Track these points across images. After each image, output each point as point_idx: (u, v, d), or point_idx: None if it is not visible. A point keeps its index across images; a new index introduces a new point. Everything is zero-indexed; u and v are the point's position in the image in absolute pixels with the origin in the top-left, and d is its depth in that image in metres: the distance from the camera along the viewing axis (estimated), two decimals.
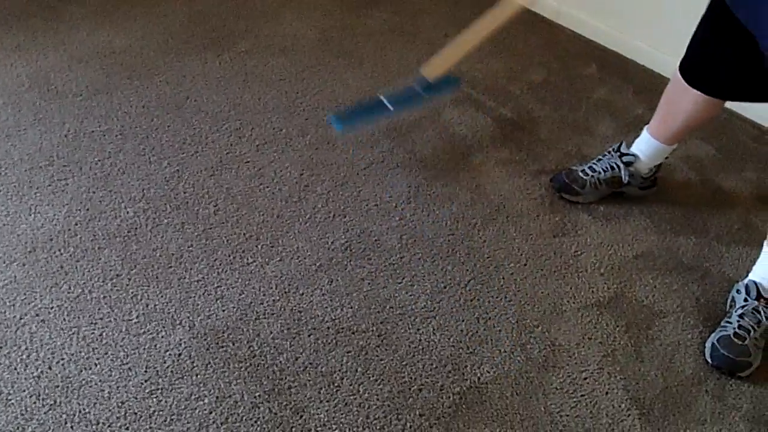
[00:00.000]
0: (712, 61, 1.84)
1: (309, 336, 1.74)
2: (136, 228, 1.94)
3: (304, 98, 2.42)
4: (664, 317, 1.91)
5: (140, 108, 2.30)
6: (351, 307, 1.82)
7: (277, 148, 2.22)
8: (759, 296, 1.87)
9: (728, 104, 2.60)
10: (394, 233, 2.03)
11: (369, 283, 1.88)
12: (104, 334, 1.69)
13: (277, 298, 1.82)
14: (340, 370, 1.68)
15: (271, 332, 1.74)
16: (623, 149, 2.18)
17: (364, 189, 2.14)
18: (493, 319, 1.85)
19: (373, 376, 1.68)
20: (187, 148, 2.18)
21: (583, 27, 2.92)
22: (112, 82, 2.37)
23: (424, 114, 2.42)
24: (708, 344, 1.85)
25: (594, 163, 2.22)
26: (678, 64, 1.94)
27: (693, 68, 1.90)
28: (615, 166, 2.18)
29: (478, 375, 1.72)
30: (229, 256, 1.90)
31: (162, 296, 1.79)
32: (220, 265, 1.87)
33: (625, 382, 1.75)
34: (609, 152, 2.22)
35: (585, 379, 1.75)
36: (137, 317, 1.73)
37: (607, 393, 1.73)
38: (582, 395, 1.71)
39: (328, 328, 1.77)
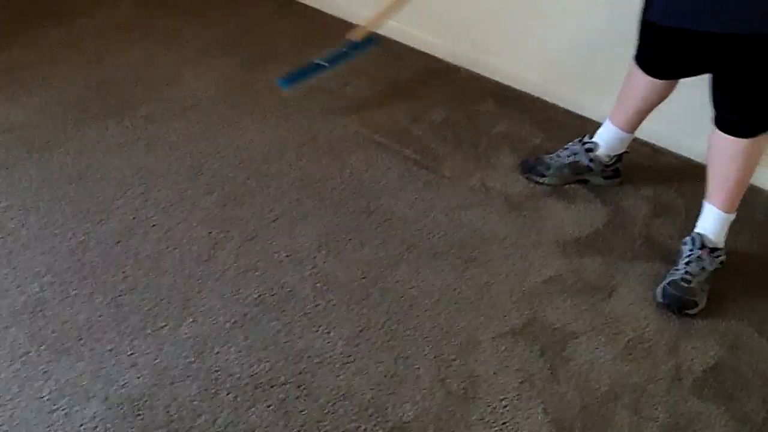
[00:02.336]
0: (659, 50, 2.10)
1: (227, 395, 1.73)
2: (43, 303, 1.90)
3: (209, 157, 2.43)
4: (576, 338, 1.96)
5: (41, 181, 2.26)
6: (268, 361, 1.82)
7: (184, 209, 2.22)
8: (703, 246, 2.12)
9: None
10: (308, 282, 2.03)
11: (285, 335, 1.88)
12: (14, 414, 1.64)
13: (193, 359, 1.80)
14: (261, 426, 1.67)
15: (189, 395, 1.72)
16: (586, 138, 2.43)
17: (274, 241, 2.15)
18: (412, 358, 1.87)
19: (295, 428, 1.68)
20: (92, 217, 2.16)
21: (478, 65, 3.01)
22: (10, 158, 2.34)
23: (330, 162, 2.45)
24: (659, 289, 2.10)
25: (560, 151, 2.47)
26: (633, 55, 2.19)
27: (647, 59, 2.15)
28: (577, 151, 2.42)
29: (400, 415, 1.73)
30: (141, 322, 1.88)
31: (74, 370, 1.75)
32: (131, 332, 1.85)
33: (544, 405, 1.79)
34: (573, 141, 2.46)
35: (505, 407, 1.77)
36: (49, 394, 1.70)
37: (527, 418, 1.76)
38: (503, 423, 1.74)
39: (247, 384, 1.76)
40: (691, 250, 2.13)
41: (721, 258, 2.13)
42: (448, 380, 1.82)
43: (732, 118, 2.01)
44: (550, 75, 2.85)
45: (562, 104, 2.85)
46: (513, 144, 2.63)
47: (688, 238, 2.16)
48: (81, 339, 1.82)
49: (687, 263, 2.11)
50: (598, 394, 1.83)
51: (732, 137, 2.02)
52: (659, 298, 2.09)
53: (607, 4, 2.55)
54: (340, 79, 2.89)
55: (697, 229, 2.17)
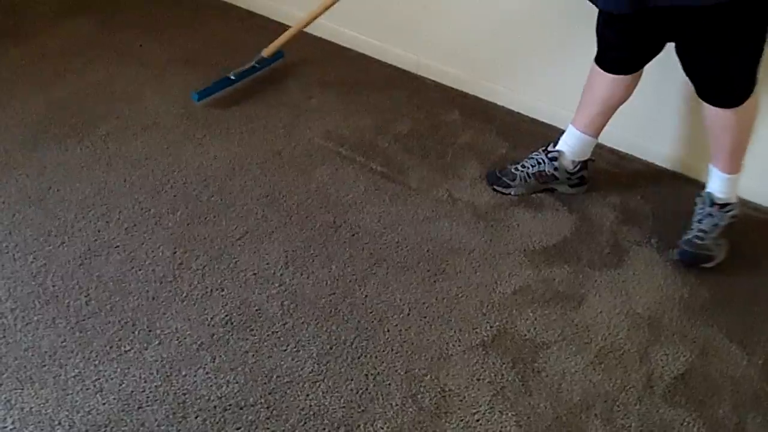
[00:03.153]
0: (612, 47, 2.18)
1: (196, 418, 1.70)
2: (4, 330, 1.86)
3: (172, 174, 2.39)
4: (547, 348, 1.96)
5: (0, 205, 2.22)
6: (237, 382, 1.79)
7: (147, 229, 2.18)
8: (713, 203, 2.23)
9: None
10: (275, 300, 2.01)
11: (253, 355, 1.86)
12: None
13: (159, 383, 1.76)
14: None
15: (156, 419, 1.69)
16: (549, 147, 2.44)
17: (240, 259, 2.12)
18: (382, 374, 1.85)
19: None
20: (53, 240, 2.11)
21: (443, 76, 3.01)
22: None
23: (295, 177, 2.43)
24: (675, 249, 2.24)
25: (525, 161, 2.47)
26: (594, 58, 2.25)
27: (606, 55, 2.21)
28: (541, 161, 2.43)
29: None
30: (105, 346, 1.84)
31: (37, 397, 1.71)
32: (96, 356, 1.81)
33: (516, 417, 1.78)
34: (538, 150, 2.46)
35: (477, 420, 1.76)
36: (12, 423, 1.65)
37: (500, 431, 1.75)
38: None
39: (215, 406, 1.73)
40: (701, 209, 2.25)
41: (732, 212, 2.25)
42: (419, 396, 1.80)
43: (710, 92, 2.07)
44: (514, 84, 2.86)
45: (526, 113, 2.85)
46: (479, 154, 2.63)
47: (698, 198, 2.27)
48: (44, 366, 1.78)
49: (699, 221, 2.24)
50: (570, 404, 1.82)
51: (719, 108, 2.07)
52: (675, 257, 2.24)
53: (571, 13, 2.56)
54: (304, 92, 2.87)
55: (707, 189, 2.27)
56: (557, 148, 2.41)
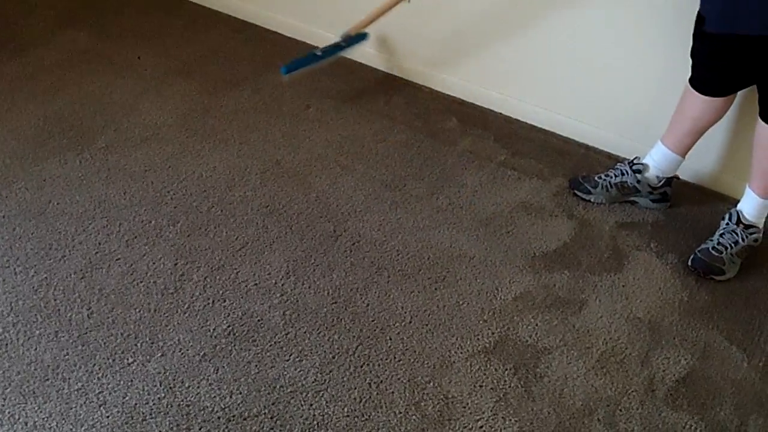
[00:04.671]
0: (708, 68, 2.16)
1: (200, 429, 1.70)
2: (6, 344, 1.86)
3: (172, 186, 2.40)
4: (549, 353, 1.96)
5: (0, 219, 2.22)
6: (240, 393, 1.79)
7: (148, 241, 2.18)
8: (738, 221, 2.28)
9: (583, 139, 2.74)
10: (277, 310, 2.01)
11: (256, 365, 1.86)
12: None
13: (163, 395, 1.77)
14: None
15: (160, 431, 1.69)
16: (635, 160, 2.47)
17: (241, 270, 2.12)
18: (385, 382, 1.85)
19: None
20: (54, 254, 2.12)
21: (440, 83, 3.02)
22: None
23: (294, 186, 2.44)
24: (692, 255, 2.26)
25: (610, 170, 2.51)
26: (688, 78, 2.24)
27: (699, 77, 2.20)
28: (625, 172, 2.47)
29: None
30: (108, 359, 1.84)
31: (41, 412, 1.71)
32: (99, 369, 1.81)
33: (519, 424, 1.78)
34: (623, 162, 2.50)
35: (481, 427, 1.76)
36: None
37: None
38: None
39: (219, 417, 1.73)
40: (727, 224, 2.29)
41: (755, 236, 2.28)
42: (422, 403, 1.81)
43: None
44: (511, 91, 2.87)
45: (524, 119, 2.86)
46: (479, 161, 2.63)
47: (726, 213, 2.31)
48: (47, 379, 1.78)
49: (721, 235, 2.27)
50: (573, 409, 1.83)
51: None
52: (689, 263, 2.26)
53: (569, 20, 2.57)
54: (301, 102, 2.88)
55: (737, 207, 2.30)
56: (643, 161, 2.43)
